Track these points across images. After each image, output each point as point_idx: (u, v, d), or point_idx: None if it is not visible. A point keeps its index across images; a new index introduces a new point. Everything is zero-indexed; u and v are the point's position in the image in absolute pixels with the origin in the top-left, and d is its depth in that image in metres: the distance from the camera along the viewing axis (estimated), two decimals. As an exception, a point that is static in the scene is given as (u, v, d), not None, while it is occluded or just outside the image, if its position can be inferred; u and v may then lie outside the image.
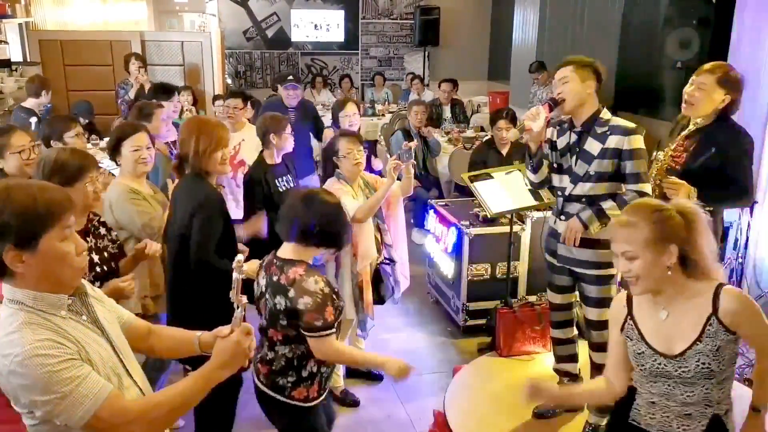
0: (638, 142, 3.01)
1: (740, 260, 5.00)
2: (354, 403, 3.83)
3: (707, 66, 3.25)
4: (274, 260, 2.50)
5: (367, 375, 4.10)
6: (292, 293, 2.36)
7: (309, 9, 11.37)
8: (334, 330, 2.40)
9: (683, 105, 3.28)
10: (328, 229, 2.46)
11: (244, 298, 1.76)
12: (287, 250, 2.49)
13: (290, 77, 5.60)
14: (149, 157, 3.27)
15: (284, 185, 3.95)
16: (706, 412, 2.04)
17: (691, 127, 3.28)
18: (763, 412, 2.09)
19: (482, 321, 4.50)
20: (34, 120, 5.58)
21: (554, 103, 3.10)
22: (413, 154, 3.66)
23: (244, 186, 3.97)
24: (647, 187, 3.05)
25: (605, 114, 3.10)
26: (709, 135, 3.19)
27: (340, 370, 3.89)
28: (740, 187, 3.19)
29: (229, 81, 10.20)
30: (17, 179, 1.67)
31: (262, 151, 4.02)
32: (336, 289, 2.51)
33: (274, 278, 2.45)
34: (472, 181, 4.08)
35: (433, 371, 4.22)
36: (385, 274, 3.74)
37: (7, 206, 1.46)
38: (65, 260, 1.54)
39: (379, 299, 3.72)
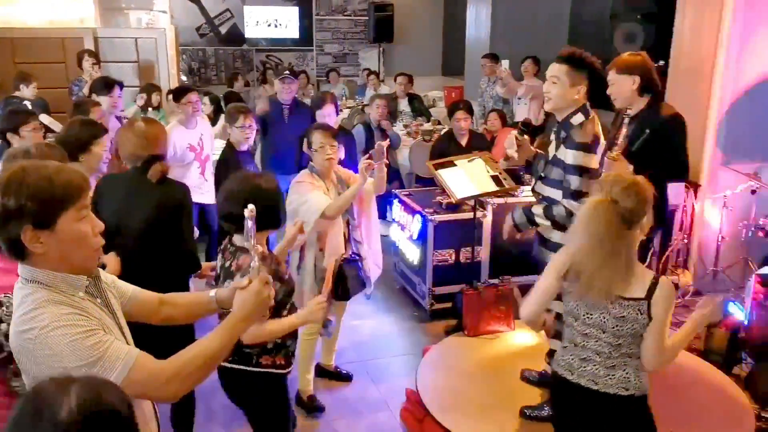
0: (580, 158, 3.04)
1: (686, 241, 5.31)
2: (319, 408, 3.75)
3: (610, 65, 3.53)
4: (229, 246, 2.60)
5: (337, 376, 4.07)
6: (236, 279, 2.44)
7: (262, 5, 11.37)
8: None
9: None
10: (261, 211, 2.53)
11: (260, 247, 1.81)
12: (239, 237, 2.56)
13: (286, 71, 5.76)
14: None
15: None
16: None
17: (630, 114, 3.52)
18: None
19: (448, 305, 4.68)
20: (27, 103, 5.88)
21: (526, 127, 3.38)
22: (385, 153, 3.65)
23: (217, 170, 4.20)
24: (577, 207, 2.96)
25: (577, 118, 3.12)
26: (642, 120, 3.47)
27: (310, 374, 3.82)
28: (675, 162, 3.44)
29: (183, 78, 10.13)
30: (34, 161, 1.68)
31: (229, 139, 4.28)
32: (285, 277, 2.60)
33: (227, 264, 2.54)
34: (436, 169, 4.23)
35: (403, 353, 4.37)
36: (353, 270, 3.66)
37: (23, 188, 1.48)
38: (83, 240, 1.56)
39: (342, 295, 3.61)
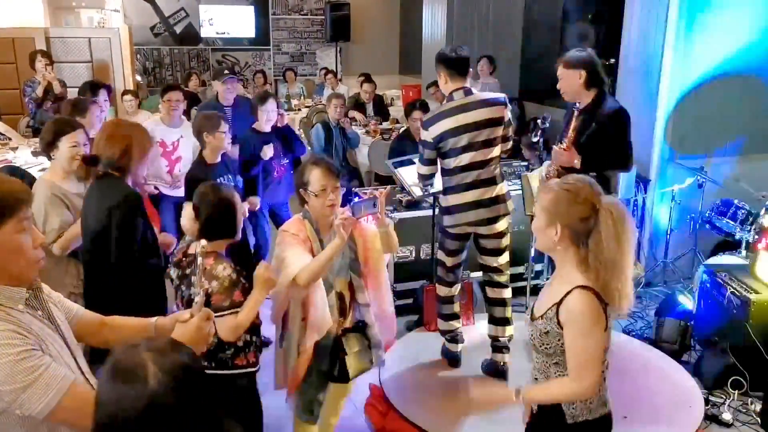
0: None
1: (636, 234, 5.50)
2: None
3: (558, 61, 3.78)
4: (184, 257, 2.64)
5: None
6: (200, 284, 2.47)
7: (218, 4, 11.28)
8: (239, 309, 2.51)
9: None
10: (214, 221, 2.57)
11: (207, 283, 1.84)
12: (198, 245, 2.59)
13: (226, 71, 5.55)
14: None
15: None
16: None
17: (578, 108, 3.74)
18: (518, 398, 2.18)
19: (409, 301, 4.75)
20: None
21: None
22: (383, 204, 2.91)
23: (186, 185, 3.98)
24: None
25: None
26: (590, 114, 3.69)
27: None
28: (619, 154, 3.69)
29: (138, 78, 9.99)
30: None
31: (201, 151, 4.06)
32: (245, 274, 2.63)
33: (187, 271, 2.57)
34: (396, 167, 4.29)
35: (366, 350, 4.41)
36: (357, 343, 3.01)
37: None
38: (21, 251, 1.55)
39: (340, 376, 2.97)
